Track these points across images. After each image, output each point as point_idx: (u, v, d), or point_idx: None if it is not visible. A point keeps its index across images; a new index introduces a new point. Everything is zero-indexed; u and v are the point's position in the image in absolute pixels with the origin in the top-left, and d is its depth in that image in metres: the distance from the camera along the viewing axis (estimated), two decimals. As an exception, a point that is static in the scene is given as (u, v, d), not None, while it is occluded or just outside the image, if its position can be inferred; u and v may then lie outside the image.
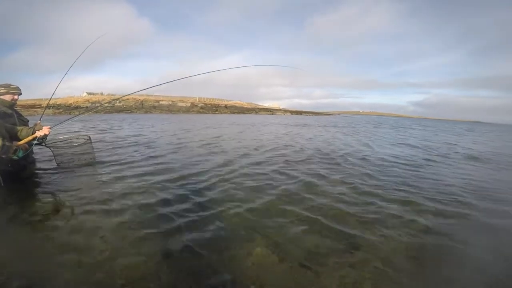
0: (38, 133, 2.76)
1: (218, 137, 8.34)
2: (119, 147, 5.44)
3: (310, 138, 9.06)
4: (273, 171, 3.94)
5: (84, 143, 3.42)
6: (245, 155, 5.24)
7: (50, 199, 2.52)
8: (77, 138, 3.38)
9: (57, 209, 2.30)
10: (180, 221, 2.15)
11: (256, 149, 5.99)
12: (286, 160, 4.81)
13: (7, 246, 1.75)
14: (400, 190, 3.25)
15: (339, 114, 70.27)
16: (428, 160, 5.65)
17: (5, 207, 2.29)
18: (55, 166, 3.43)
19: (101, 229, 1.98)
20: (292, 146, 6.85)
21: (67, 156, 3.35)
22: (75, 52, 3.66)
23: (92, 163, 3.54)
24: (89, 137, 3.48)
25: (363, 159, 5.31)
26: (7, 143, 2.38)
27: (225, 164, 4.25)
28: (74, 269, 1.53)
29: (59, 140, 3.37)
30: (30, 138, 2.74)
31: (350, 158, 5.29)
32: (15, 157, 2.51)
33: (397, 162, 5.11)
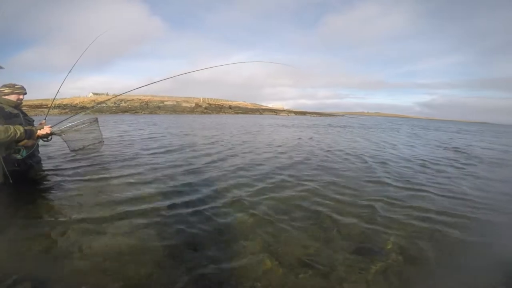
0: (40, 132, 2.75)
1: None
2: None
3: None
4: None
5: (91, 124, 3.35)
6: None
7: (55, 200, 2.50)
8: (83, 123, 3.36)
9: (59, 210, 2.28)
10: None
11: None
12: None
13: (8, 247, 1.73)
14: None
15: (343, 115, 69.67)
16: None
17: (11, 207, 2.28)
18: (61, 166, 3.44)
19: (103, 235, 1.94)
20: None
21: (77, 141, 3.29)
22: (85, 52, 3.60)
23: (101, 145, 3.50)
24: (96, 118, 3.43)
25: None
26: (27, 128, 2.46)
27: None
28: (72, 273, 1.49)
29: (67, 127, 3.33)
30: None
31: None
32: (19, 156, 2.50)
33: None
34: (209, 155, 5.10)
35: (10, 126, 2.32)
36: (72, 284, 1.41)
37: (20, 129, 2.36)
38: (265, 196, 2.85)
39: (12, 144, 2.46)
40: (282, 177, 3.64)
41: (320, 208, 2.58)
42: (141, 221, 2.12)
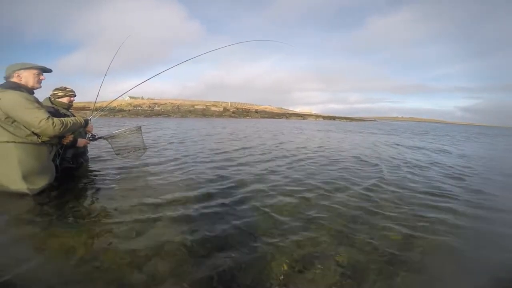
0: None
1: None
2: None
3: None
4: None
5: (135, 132, 3.65)
6: None
7: (96, 198, 2.51)
8: (130, 130, 3.64)
9: (99, 208, 2.27)
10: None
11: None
12: None
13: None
14: None
15: (375, 120, 66.15)
16: None
17: (57, 201, 2.33)
18: (107, 165, 3.59)
19: (136, 235, 1.86)
20: None
21: (122, 146, 3.62)
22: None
23: (144, 151, 3.83)
24: (140, 127, 3.74)
25: None
26: (85, 118, 2.79)
27: None
28: (99, 270, 1.44)
29: (112, 135, 3.61)
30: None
31: None
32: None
33: None
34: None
35: (75, 117, 2.67)
36: (99, 280, 1.36)
37: (81, 119, 2.66)
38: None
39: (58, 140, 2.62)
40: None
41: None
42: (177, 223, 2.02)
